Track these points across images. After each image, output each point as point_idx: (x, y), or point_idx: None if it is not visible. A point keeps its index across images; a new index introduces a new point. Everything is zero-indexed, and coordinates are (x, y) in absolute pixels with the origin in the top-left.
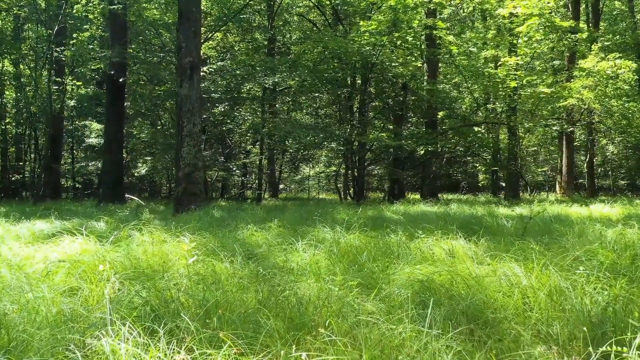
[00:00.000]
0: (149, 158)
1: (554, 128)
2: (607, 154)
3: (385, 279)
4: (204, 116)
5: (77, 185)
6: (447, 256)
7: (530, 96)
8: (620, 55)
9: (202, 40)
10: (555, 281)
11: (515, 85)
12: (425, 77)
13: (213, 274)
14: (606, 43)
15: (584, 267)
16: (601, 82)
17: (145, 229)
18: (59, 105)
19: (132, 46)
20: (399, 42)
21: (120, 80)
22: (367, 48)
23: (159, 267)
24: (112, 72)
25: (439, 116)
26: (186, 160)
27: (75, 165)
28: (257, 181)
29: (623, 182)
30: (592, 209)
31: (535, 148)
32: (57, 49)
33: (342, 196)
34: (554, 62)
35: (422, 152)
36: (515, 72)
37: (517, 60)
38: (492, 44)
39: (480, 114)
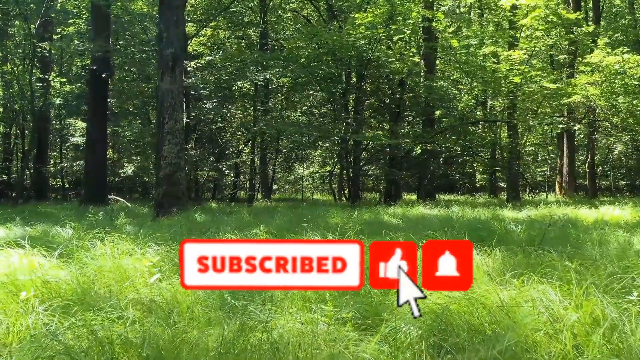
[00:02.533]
0: (137, 158)
1: (560, 126)
2: (615, 153)
3: (388, 307)
4: (192, 114)
5: (66, 186)
6: None
7: (534, 92)
8: (629, 49)
9: (191, 36)
10: (604, 311)
11: (519, 81)
12: (423, 73)
13: (173, 299)
14: (607, 40)
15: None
16: (608, 77)
17: (111, 238)
18: (41, 103)
19: (120, 42)
20: (395, 38)
21: (103, 75)
22: (363, 42)
23: (110, 288)
24: (95, 67)
25: (437, 114)
26: (167, 160)
27: (59, 165)
28: (249, 182)
29: (623, 182)
30: (602, 211)
31: (533, 148)
32: (40, 44)
33: (337, 197)
34: (560, 56)
35: (418, 151)
36: (519, 67)
37: (522, 54)
38: (490, 41)
39: (479, 112)
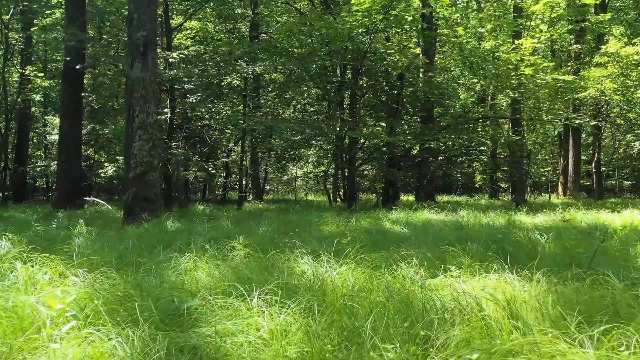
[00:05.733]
0: (120, 157)
1: (577, 122)
2: (633, 151)
3: None
4: (177, 110)
5: (49, 186)
6: (507, 315)
7: (547, 86)
8: None
9: (174, 27)
10: None
11: (531, 72)
12: (422, 68)
13: None
14: (622, 29)
15: None
16: (625, 69)
17: (42, 258)
18: (19, 99)
19: (104, 36)
20: (394, 28)
21: (77, 67)
22: (360, 30)
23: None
24: (69, 59)
25: (439, 111)
26: (138, 159)
27: (43, 165)
28: (239, 183)
29: (627, 183)
30: (625, 215)
31: (531, 147)
32: (17, 36)
33: (332, 199)
34: (575, 46)
35: (416, 150)
36: (530, 58)
37: (534, 43)
38: (492, 35)
39: (481, 109)
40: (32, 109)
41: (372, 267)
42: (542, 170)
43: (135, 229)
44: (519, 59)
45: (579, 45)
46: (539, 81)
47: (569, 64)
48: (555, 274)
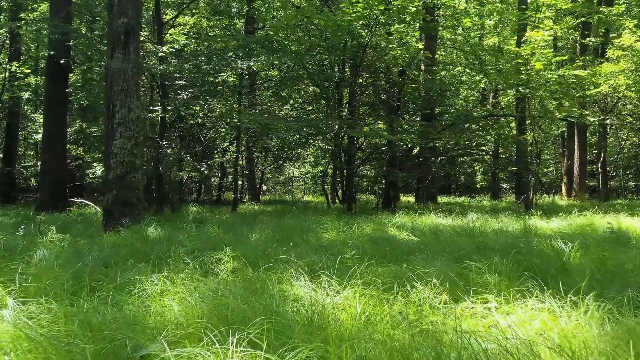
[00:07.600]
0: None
1: (591, 119)
2: None
3: None
4: (169, 107)
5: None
6: None
7: (557, 82)
8: None
9: (165, 22)
10: None
11: (541, 67)
12: (425, 61)
13: None
14: (636, 22)
15: None
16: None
17: None
18: (7, 97)
19: (96, 33)
20: (396, 26)
21: (62, 61)
22: (360, 23)
23: None
24: (52, 53)
25: (439, 110)
26: (119, 158)
27: (26, 164)
28: (233, 183)
29: (632, 183)
30: None
31: (540, 147)
32: (2, 31)
33: (330, 200)
34: (589, 40)
35: (416, 150)
36: (542, 52)
37: (545, 36)
38: (494, 31)
39: (483, 107)
40: (24, 107)
41: (383, 289)
42: (545, 170)
43: (112, 236)
44: (530, 52)
45: (592, 39)
46: (550, 76)
47: (581, 58)
48: (607, 298)
